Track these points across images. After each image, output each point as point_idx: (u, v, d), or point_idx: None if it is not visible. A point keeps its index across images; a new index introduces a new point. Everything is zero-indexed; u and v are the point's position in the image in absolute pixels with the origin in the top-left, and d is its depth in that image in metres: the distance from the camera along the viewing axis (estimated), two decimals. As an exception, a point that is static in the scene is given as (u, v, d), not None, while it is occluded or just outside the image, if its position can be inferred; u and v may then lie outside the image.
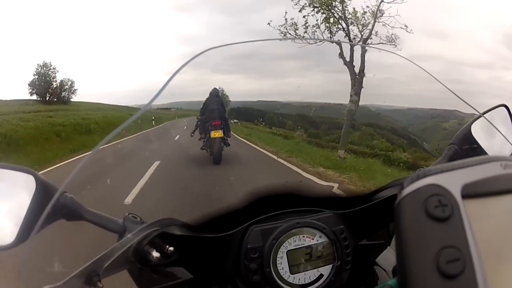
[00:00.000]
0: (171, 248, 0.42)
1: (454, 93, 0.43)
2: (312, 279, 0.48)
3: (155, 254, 0.41)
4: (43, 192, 0.45)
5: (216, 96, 6.31)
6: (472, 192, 0.21)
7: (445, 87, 0.42)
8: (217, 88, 6.71)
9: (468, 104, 0.48)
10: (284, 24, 7.51)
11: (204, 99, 6.43)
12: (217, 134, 5.73)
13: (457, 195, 0.20)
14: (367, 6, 8.03)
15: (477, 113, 0.53)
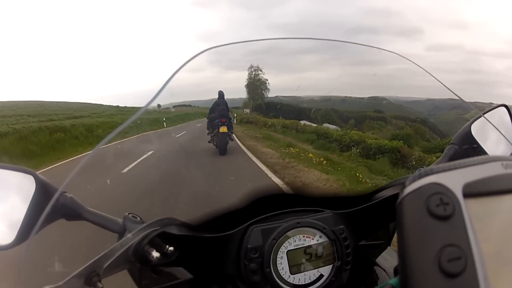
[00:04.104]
0: (171, 248, 0.42)
1: (456, 94, 0.43)
2: (312, 279, 0.48)
3: (155, 254, 0.40)
4: (43, 192, 0.45)
5: (223, 98, 7.48)
6: (473, 191, 0.21)
7: (447, 88, 0.42)
8: (222, 90, 7.64)
9: (469, 104, 0.48)
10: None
11: (228, 96, 7.93)
12: (224, 129, 6.92)
13: (459, 194, 0.21)
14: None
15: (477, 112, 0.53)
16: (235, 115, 22.82)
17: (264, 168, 5.88)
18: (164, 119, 21.90)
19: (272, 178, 5.07)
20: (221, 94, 7.53)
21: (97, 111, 26.46)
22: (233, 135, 7.54)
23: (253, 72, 37.09)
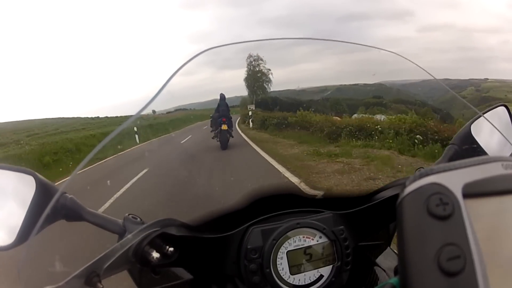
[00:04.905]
0: (171, 249, 0.42)
1: (455, 94, 0.43)
2: (312, 280, 0.48)
3: (155, 254, 0.40)
4: (43, 193, 0.45)
5: (224, 99, 8.52)
6: (473, 191, 0.21)
7: (444, 85, 0.42)
8: (223, 93, 8.69)
9: (468, 104, 0.48)
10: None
11: (217, 97, 8.50)
12: (225, 127, 8.00)
13: (458, 194, 0.21)
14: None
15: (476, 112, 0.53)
16: (250, 113, 16.42)
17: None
18: (135, 129, 13.10)
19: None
20: (222, 96, 8.55)
21: (55, 128, 21.49)
22: (233, 131, 8.78)
23: (252, 63, 31.09)
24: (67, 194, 0.47)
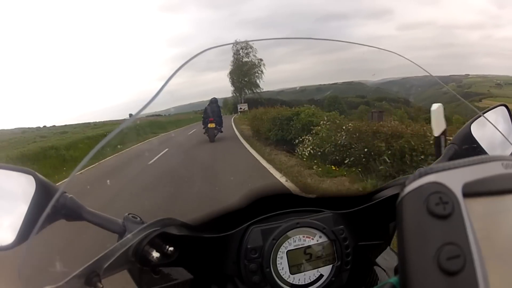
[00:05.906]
0: (171, 248, 0.42)
1: (455, 93, 0.43)
2: (312, 279, 0.48)
3: (155, 254, 0.41)
4: (43, 193, 0.45)
5: (214, 103, 11.18)
6: (473, 190, 0.21)
7: (445, 86, 0.42)
8: (216, 97, 10.83)
9: (468, 104, 0.48)
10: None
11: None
12: (212, 125, 10.51)
13: (458, 193, 0.21)
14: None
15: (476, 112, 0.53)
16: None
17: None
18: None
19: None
20: (213, 100, 11.19)
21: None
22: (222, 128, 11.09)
23: (240, 52, 24.24)
24: (67, 194, 0.47)
